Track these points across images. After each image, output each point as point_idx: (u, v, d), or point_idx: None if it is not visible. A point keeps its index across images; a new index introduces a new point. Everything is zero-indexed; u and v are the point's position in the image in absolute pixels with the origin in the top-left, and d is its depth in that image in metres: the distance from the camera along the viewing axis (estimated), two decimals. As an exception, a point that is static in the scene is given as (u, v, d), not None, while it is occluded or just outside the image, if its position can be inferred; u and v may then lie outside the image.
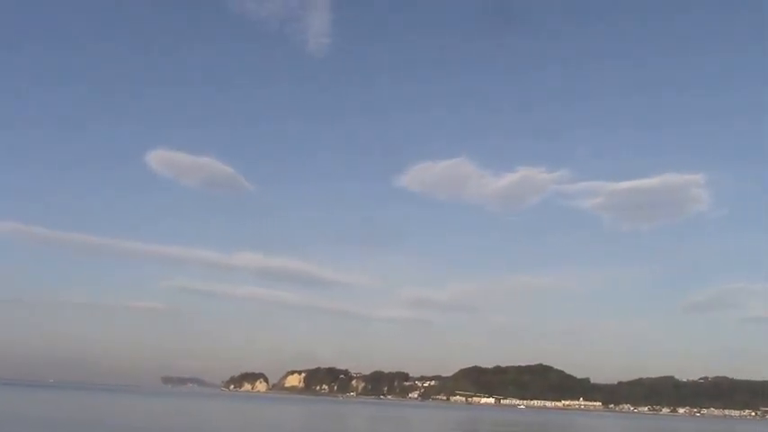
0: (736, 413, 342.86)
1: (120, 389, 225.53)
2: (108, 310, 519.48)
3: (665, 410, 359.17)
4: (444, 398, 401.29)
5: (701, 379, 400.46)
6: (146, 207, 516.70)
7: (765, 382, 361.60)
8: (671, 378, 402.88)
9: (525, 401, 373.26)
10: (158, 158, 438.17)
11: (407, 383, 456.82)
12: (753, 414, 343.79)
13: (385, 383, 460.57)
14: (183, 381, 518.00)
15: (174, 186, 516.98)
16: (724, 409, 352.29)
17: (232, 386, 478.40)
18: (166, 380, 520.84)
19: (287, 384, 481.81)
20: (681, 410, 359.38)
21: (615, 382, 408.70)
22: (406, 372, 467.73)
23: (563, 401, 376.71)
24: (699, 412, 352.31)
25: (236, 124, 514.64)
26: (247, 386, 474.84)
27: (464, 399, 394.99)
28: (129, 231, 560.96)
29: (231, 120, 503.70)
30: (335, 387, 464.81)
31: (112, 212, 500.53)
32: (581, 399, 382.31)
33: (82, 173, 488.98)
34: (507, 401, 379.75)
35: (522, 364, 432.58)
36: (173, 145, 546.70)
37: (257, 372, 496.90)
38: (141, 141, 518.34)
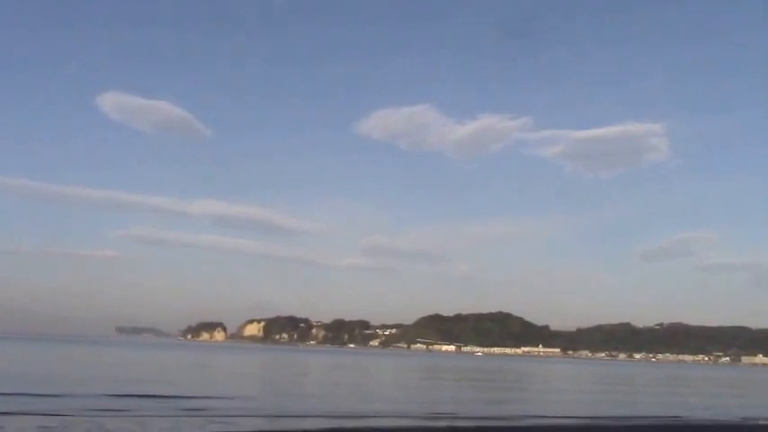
0: (690, 358, 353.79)
1: (72, 339, 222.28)
2: (58, 258, 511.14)
3: (622, 356, 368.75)
4: (405, 346, 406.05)
5: (656, 325, 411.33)
6: (97, 152, 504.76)
7: (719, 327, 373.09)
8: (628, 325, 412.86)
9: (485, 349, 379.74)
10: (111, 102, 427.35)
11: (368, 332, 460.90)
12: (706, 359, 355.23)
13: (346, 332, 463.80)
14: (138, 330, 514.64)
15: (127, 131, 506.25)
16: (679, 354, 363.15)
17: (189, 335, 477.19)
18: (121, 330, 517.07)
19: (246, 333, 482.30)
20: (637, 356, 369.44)
21: (574, 329, 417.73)
22: (366, 320, 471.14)
23: (523, 348, 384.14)
24: (654, 357, 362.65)
25: (193, 67, 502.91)
26: (205, 335, 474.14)
27: (425, 346, 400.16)
28: (80, 177, 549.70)
29: (188, 63, 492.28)
30: (295, 336, 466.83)
31: (61, 157, 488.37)
32: (540, 346, 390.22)
33: (28, 116, 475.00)
34: (468, 349, 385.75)
35: (483, 311, 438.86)
36: (126, 88, 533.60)
37: (215, 321, 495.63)
38: (92, 83, 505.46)
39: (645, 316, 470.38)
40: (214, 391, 32.01)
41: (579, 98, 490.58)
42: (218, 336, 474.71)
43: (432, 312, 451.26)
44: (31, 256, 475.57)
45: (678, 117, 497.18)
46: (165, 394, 27.71)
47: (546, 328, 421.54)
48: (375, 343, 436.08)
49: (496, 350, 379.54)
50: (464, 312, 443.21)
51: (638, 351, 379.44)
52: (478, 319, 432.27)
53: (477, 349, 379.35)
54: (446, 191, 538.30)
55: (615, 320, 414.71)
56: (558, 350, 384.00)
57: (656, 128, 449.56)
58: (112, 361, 71.91)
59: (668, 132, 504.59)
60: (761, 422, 26.82)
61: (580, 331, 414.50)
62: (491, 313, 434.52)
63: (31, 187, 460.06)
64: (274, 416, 22.61)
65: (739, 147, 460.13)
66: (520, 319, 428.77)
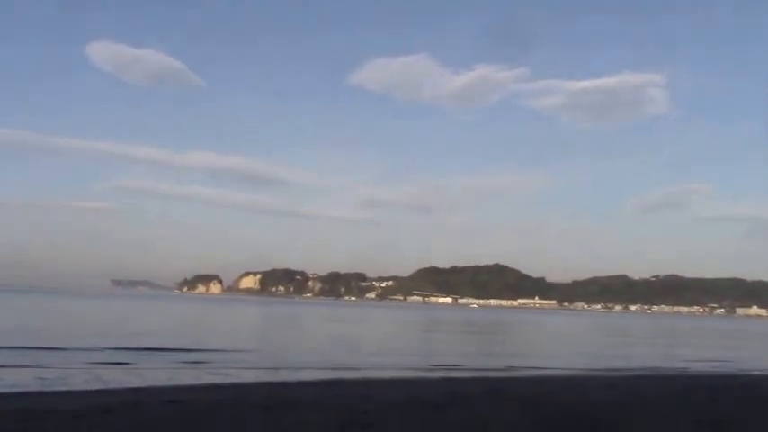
0: (685, 310, 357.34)
1: (67, 292, 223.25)
2: (50, 210, 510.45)
3: (618, 308, 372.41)
4: (402, 298, 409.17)
5: (652, 277, 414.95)
6: (88, 102, 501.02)
7: (714, 279, 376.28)
8: (623, 277, 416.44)
9: (482, 301, 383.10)
10: (101, 52, 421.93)
11: (365, 284, 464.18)
12: (701, 310, 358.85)
13: (342, 284, 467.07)
14: (133, 283, 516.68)
15: (119, 82, 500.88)
16: (674, 305, 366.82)
17: (185, 288, 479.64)
18: (116, 282, 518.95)
19: (242, 286, 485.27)
20: (633, 308, 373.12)
21: (570, 282, 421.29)
22: (363, 272, 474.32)
23: (519, 300, 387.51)
24: (650, 309, 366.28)
25: (186, 16, 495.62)
26: (201, 288, 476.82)
27: (421, 299, 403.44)
28: (71, 128, 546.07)
29: (181, 12, 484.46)
30: (292, 288, 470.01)
31: (52, 108, 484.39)
32: (536, 298, 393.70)
33: (17, 66, 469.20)
34: (464, 301, 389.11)
35: (479, 264, 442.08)
36: (117, 37, 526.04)
37: (211, 273, 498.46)
38: (81, 32, 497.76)
39: (641, 268, 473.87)
40: (212, 344, 32.21)
41: (577, 48, 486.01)
42: (215, 288, 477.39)
43: (428, 265, 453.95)
44: (22, 207, 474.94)
45: (679, 67, 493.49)
46: (162, 347, 27.85)
47: (542, 280, 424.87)
48: (371, 295, 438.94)
49: (493, 302, 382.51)
50: (460, 265, 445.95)
51: (634, 303, 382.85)
52: (475, 271, 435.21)
53: (474, 301, 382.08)
54: (442, 143, 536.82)
55: (611, 272, 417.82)
56: (554, 302, 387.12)
57: (657, 78, 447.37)
58: (109, 314, 72.26)
59: (669, 83, 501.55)
60: (755, 372, 27.11)
61: (576, 283, 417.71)
62: (487, 265, 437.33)
63: (22, 138, 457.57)
64: (273, 368, 22.76)
65: (740, 99, 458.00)
66: (516, 272, 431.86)
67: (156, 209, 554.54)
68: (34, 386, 15.86)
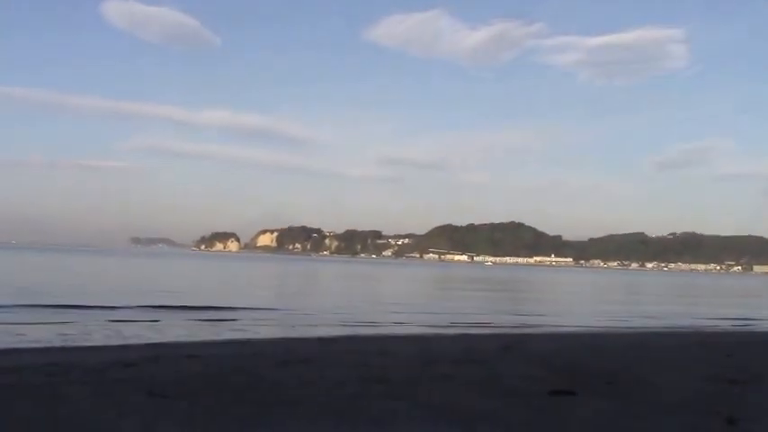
0: (702, 267, 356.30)
1: (87, 250, 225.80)
2: (66, 169, 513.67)
3: (634, 266, 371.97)
4: (418, 255, 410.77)
5: (669, 235, 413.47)
6: (104, 62, 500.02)
7: (731, 237, 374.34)
8: (640, 234, 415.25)
9: (498, 258, 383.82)
10: (115, 9, 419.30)
11: (381, 241, 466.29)
12: (718, 268, 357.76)
13: (359, 242, 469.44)
14: (152, 241, 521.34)
15: (132, 39, 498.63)
16: (691, 263, 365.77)
17: (203, 246, 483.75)
18: (135, 240, 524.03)
19: (259, 244, 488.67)
20: (649, 265, 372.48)
21: (586, 239, 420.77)
22: (379, 230, 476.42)
23: (535, 258, 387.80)
24: (666, 267, 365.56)
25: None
26: (219, 246, 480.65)
27: (437, 256, 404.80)
28: (87, 87, 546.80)
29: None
30: (308, 246, 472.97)
31: (68, 67, 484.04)
32: (552, 255, 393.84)
33: (33, 24, 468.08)
34: (480, 258, 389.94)
35: (495, 221, 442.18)
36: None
37: (228, 231, 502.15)
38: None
39: (658, 225, 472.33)
40: (230, 301, 32.60)
41: (595, 2, 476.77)
42: (232, 246, 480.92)
43: (444, 222, 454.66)
44: (41, 167, 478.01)
45: (700, 21, 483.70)
46: (181, 304, 28.20)
47: (558, 237, 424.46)
48: (388, 253, 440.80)
49: (509, 260, 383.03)
50: (476, 222, 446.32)
51: (651, 261, 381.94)
52: (491, 228, 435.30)
53: (490, 259, 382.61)
54: (458, 100, 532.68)
55: (628, 230, 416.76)
56: (571, 260, 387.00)
57: (676, 33, 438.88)
58: (128, 271, 73.13)
59: (688, 37, 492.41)
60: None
61: (592, 241, 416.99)
62: (503, 223, 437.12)
63: (38, 97, 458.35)
64: (290, 324, 23.05)
65: (761, 53, 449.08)
66: (532, 229, 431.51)
67: (174, 167, 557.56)
68: (57, 342, 16.18)
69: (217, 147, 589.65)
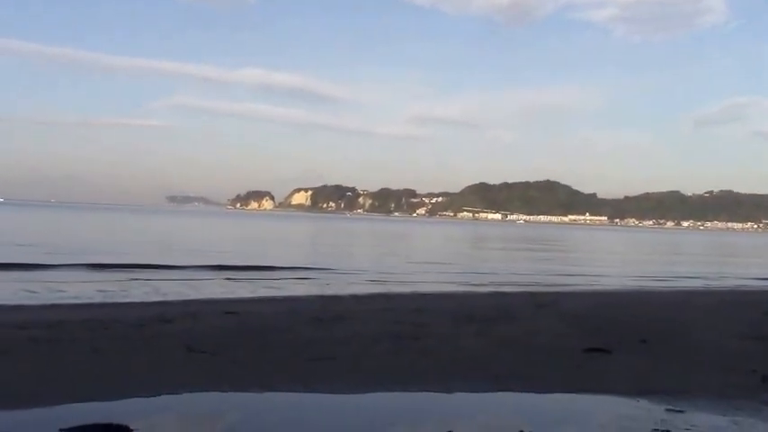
0: (739, 226, 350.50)
1: (125, 208, 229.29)
2: (105, 128, 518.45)
3: (670, 224, 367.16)
4: (452, 214, 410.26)
5: (706, 193, 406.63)
6: (138, 20, 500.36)
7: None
8: (676, 193, 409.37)
9: (532, 217, 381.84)
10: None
11: (415, 200, 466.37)
12: (756, 227, 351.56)
13: (392, 200, 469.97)
14: (188, 199, 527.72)
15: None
16: (728, 222, 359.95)
17: (238, 204, 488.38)
18: (171, 199, 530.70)
19: (293, 202, 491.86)
20: (685, 224, 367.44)
21: (621, 197, 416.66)
22: (413, 189, 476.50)
23: (569, 216, 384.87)
24: (703, 225, 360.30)
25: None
26: (254, 204, 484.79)
27: (471, 214, 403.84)
28: (122, 46, 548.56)
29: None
30: (342, 204, 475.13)
31: (103, 26, 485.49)
32: (587, 214, 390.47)
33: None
34: (514, 217, 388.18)
35: (530, 180, 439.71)
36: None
37: (263, 190, 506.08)
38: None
39: (694, 184, 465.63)
40: (266, 260, 32.93)
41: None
42: (267, 204, 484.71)
43: (478, 181, 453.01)
44: (78, 126, 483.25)
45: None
46: (219, 264, 28.45)
47: (593, 196, 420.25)
48: (421, 211, 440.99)
49: (542, 218, 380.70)
50: (510, 181, 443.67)
51: (687, 219, 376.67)
52: (525, 187, 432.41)
53: (523, 217, 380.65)
54: (492, 57, 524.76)
55: (663, 188, 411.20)
56: (605, 218, 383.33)
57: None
58: (165, 230, 74.13)
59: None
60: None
61: (628, 199, 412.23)
62: (537, 182, 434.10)
63: (73, 57, 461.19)
64: (324, 282, 23.21)
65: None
66: (567, 188, 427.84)
67: (209, 126, 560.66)
68: (97, 298, 16.50)
69: (251, 105, 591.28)
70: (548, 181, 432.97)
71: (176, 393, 7.28)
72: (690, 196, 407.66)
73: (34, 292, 17.19)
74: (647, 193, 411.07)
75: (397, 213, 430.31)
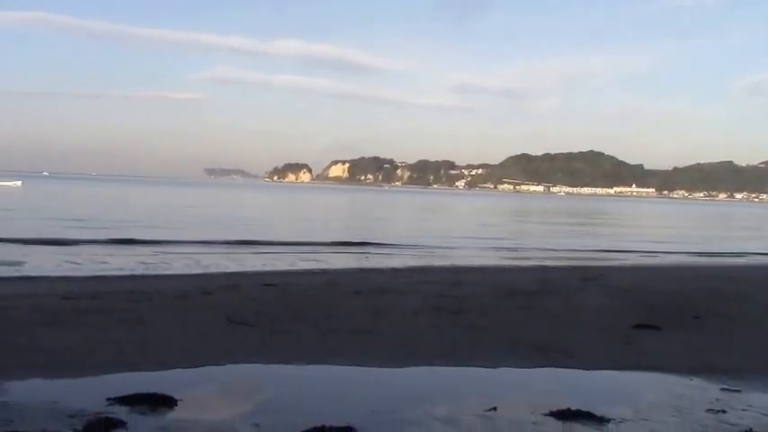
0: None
1: (164, 182, 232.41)
2: (142, 102, 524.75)
3: (722, 196, 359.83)
4: (492, 186, 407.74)
5: (761, 164, 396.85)
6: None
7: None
8: (729, 163, 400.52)
9: (575, 189, 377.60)
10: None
11: (454, 172, 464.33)
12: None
13: (431, 172, 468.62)
14: (226, 172, 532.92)
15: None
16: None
17: (276, 177, 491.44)
18: (210, 171, 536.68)
19: (331, 174, 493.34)
20: (738, 196, 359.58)
21: (670, 168, 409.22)
22: (452, 160, 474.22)
23: (615, 188, 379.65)
24: (757, 197, 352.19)
25: None
26: (291, 177, 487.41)
27: (512, 187, 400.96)
28: (159, 19, 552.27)
29: None
30: (380, 177, 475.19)
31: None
32: (633, 186, 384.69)
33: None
34: (557, 189, 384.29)
35: (573, 150, 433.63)
36: None
37: (301, 162, 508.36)
38: None
39: (748, 153, 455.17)
40: (305, 232, 33.16)
41: None
42: (304, 177, 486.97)
43: (519, 152, 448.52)
44: (116, 99, 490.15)
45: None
46: (257, 237, 28.72)
47: (640, 167, 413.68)
48: (461, 183, 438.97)
49: (586, 190, 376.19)
50: (553, 151, 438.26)
51: (740, 191, 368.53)
52: (568, 158, 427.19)
53: (566, 189, 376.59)
54: (535, 23, 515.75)
55: (715, 159, 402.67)
56: (653, 190, 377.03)
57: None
58: (205, 202, 75.04)
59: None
60: None
61: (677, 170, 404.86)
62: (581, 152, 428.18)
63: (112, 29, 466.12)
64: (363, 253, 23.32)
65: None
66: (612, 158, 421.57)
67: (247, 98, 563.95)
68: (139, 270, 16.82)
69: (289, 77, 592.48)
70: (592, 151, 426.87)
71: (219, 365, 7.44)
72: (743, 167, 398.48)
73: (78, 264, 17.59)
74: (698, 164, 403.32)
75: (435, 186, 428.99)
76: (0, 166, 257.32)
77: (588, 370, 7.83)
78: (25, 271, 15.91)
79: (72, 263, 17.80)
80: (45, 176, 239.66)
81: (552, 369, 7.82)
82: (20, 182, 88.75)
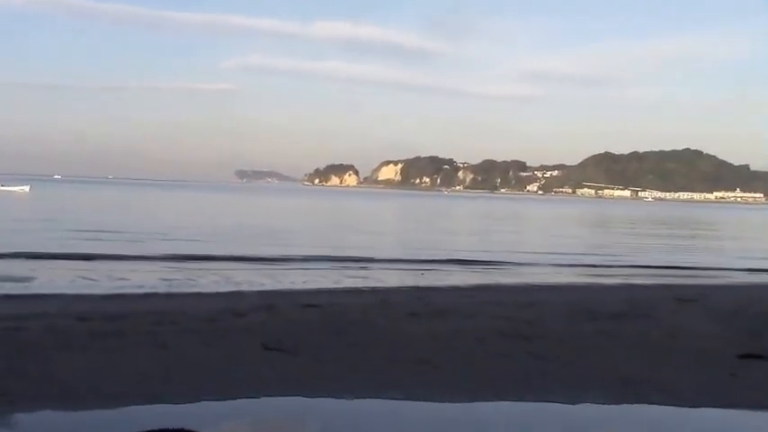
0: None
1: (187, 185, 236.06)
2: (166, 93, 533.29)
3: None
4: (569, 191, 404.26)
5: None
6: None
7: None
8: None
9: (668, 194, 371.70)
10: None
11: (525, 174, 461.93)
12: None
13: (498, 174, 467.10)
14: (259, 175, 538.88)
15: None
16: None
17: (317, 180, 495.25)
18: (241, 174, 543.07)
19: (381, 177, 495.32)
20: None
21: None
22: (522, 160, 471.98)
23: (715, 193, 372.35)
24: None
25: None
26: (335, 179, 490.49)
27: (593, 191, 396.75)
28: (186, 1, 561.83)
29: None
30: (438, 179, 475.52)
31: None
32: (738, 190, 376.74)
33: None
34: (646, 194, 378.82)
35: (666, 149, 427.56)
36: None
37: (346, 163, 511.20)
38: None
39: None
40: (352, 244, 33.28)
41: None
42: (350, 180, 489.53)
43: (602, 150, 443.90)
44: (138, 90, 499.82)
45: None
46: (298, 251, 28.90)
47: (745, 168, 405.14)
48: (533, 187, 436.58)
49: (682, 195, 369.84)
50: (642, 150, 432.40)
51: None
52: (660, 157, 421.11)
53: (657, 194, 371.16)
54: (622, 2, 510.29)
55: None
56: (761, 195, 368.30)
57: None
58: (236, 210, 75.87)
59: None
60: None
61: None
62: (676, 151, 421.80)
63: (133, 13, 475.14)
64: (419, 270, 23.30)
65: None
66: (712, 158, 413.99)
67: (284, 89, 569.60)
68: (161, 288, 17.08)
69: (333, 64, 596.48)
70: (688, 150, 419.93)
71: (253, 397, 7.49)
72: None
73: (94, 281, 17.95)
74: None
75: (503, 190, 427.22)
76: (8, 169, 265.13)
77: (685, 407, 7.68)
78: (34, 288, 16.32)
79: (86, 279, 18.18)
80: (56, 180, 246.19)
81: (641, 406, 7.69)
82: (27, 187, 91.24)
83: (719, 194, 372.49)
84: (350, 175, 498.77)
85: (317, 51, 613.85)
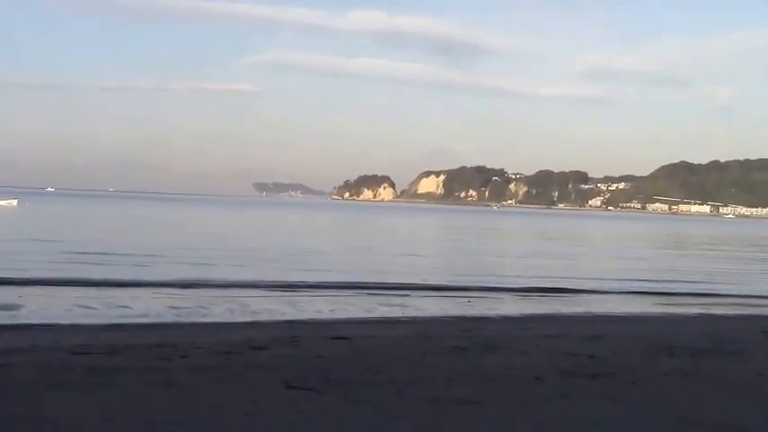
0: None
1: (197, 200, 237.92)
2: (178, 94, 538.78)
3: None
4: (638, 206, 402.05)
5: None
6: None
7: None
8: None
9: (754, 210, 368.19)
10: None
11: (586, 187, 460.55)
12: None
13: (555, 187, 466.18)
14: (281, 187, 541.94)
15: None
16: None
17: (347, 193, 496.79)
18: (260, 186, 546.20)
19: (420, 190, 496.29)
20: None
21: None
22: (584, 171, 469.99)
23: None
24: None
25: None
26: (367, 193, 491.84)
27: (666, 206, 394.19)
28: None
29: None
30: (486, 193, 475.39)
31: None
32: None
33: None
34: (728, 210, 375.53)
35: (751, 157, 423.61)
36: None
37: (381, 174, 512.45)
38: None
39: None
40: (386, 267, 33.32)
41: None
42: (385, 193, 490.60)
43: (676, 159, 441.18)
44: (148, 91, 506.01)
45: None
46: (318, 282, 28.84)
47: None
48: (596, 202, 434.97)
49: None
50: (723, 159, 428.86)
51: None
52: (745, 167, 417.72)
53: (742, 210, 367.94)
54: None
55: None
56: None
57: None
58: (253, 227, 76.33)
59: None
60: None
61: None
62: (763, 160, 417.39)
63: (139, 4, 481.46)
64: (465, 297, 23.26)
65: None
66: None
67: (310, 90, 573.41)
68: (168, 317, 17.18)
69: (366, 60, 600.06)
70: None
71: (274, 443, 7.46)
72: None
73: (91, 309, 18.09)
74: None
75: (561, 205, 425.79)
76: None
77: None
78: (22, 318, 16.48)
79: (82, 307, 18.32)
80: (49, 193, 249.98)
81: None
82: (15, 200, 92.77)
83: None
84: (385, 187, 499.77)
85: (347, 46, 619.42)
